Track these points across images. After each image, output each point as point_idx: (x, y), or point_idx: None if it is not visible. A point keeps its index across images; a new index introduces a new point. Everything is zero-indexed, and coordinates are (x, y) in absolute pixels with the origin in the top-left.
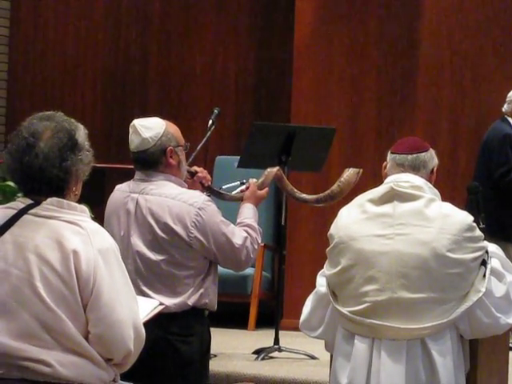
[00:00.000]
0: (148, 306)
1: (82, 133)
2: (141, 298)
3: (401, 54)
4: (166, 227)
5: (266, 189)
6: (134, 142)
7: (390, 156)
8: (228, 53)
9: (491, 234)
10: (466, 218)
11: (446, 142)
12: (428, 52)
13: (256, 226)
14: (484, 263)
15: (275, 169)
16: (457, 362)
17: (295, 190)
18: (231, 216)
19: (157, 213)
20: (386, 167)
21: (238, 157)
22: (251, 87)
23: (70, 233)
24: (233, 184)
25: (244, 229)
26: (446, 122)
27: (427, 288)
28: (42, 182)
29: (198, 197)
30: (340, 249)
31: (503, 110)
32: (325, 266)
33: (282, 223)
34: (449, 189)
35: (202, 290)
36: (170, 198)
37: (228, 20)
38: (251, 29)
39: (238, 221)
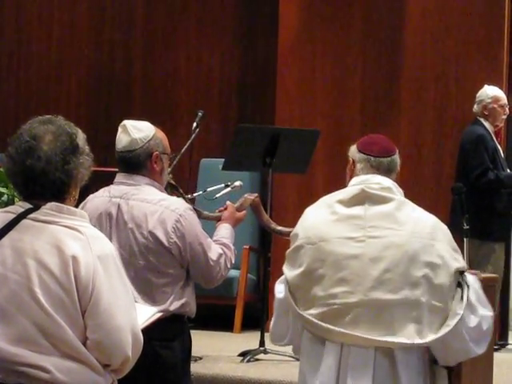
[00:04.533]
0: (146, 313)
1: (81, 136)
2: (139, 305)
3: (385, 55)
4: (146, 232)
5: (244, 212)
6: (122, 141)
7: (359, 155)
8: (212, 56)
9: (472, 235)
10: (433, 221)
11: (430, 142)
12: (412, 52)
13: (232, 247)
14: (460, 285)
15: (253, 195)
16: (421, 380)
17: (271, 221)
18: (211, 230)
19: (138, 217)
20: (353, 166)
21: (223, 159)
22: (235, 90)
23: (69, 238)
24: (217, 186)
25: (220, 246)
26: (431, 123)
27: (399, 290)
28: (44, 185)
29: (181, 204)
30: (307, 249)
31: (474, 110)
32: (284, 267)
33: None
34: (434, 189)
35: (183, 301)
36: (152, 204)
37: (212, 23)
38: (235, 31)
39: (215, 238)
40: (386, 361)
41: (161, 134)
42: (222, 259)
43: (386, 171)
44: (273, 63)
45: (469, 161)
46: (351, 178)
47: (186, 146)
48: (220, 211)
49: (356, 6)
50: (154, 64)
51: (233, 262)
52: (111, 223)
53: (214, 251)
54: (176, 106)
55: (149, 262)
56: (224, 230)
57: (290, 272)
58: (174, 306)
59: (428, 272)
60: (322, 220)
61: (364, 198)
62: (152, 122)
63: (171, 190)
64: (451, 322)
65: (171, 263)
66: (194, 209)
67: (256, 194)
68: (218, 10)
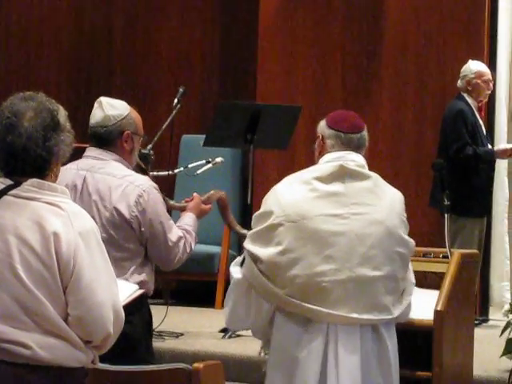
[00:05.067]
0: (127, 290)
1: (63, 113)
2: (120, 282)
3: (366, 32)
4: (109, 205)
5: (210, 206)
6: (95, 116)
7: (329, 131)
8: (193, 32)
9: (452, 210)
10: (401, 196)
11: (411, 119)
12: (393, 29)
13: (193, 234)
14: None
15: (221, 192)
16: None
17: (236, 223)
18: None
19: (102, 190)
20: (323, 141)
21: (204, 136)
22: (216, 66)
23: (50, 215)
24: (199, 163)
25: (181, 230)
26: (412, 100)
27: (382, 266)
28: (25, 161)
29: (146, 181)
30: (287, 227)
31: (458, 85)
32: (252, 246)
33: (248, 202)
34: (415, 164)
35: (142, 277)
36: (117, 178)
37: (193, 2)
38: (217, 7)
39: (178, 224)
40: (372, 335)
41: (135, 115)
42: (181, 242)
43: (357, 147)
44: (254, 40)
45: (448, 135)
46: (320, 153)
47: (167, 122)
48: (186, 201)
49: None
50: (135, 40)
51: (193, 247)
52: (76, 195)
53: (174, 233)
54: (157, 83)
55: (110, 235)
56: (188, 219)
57: (263, 250)
58: (132, 280)
59: (401, 247)
60: (301, 197)
61: (343, 175)
62: (133, 98)
63: (140, 172)
64: (410, 291)
65: (131, 238)
66: (163, 197)
67: (223, 192)
68: None
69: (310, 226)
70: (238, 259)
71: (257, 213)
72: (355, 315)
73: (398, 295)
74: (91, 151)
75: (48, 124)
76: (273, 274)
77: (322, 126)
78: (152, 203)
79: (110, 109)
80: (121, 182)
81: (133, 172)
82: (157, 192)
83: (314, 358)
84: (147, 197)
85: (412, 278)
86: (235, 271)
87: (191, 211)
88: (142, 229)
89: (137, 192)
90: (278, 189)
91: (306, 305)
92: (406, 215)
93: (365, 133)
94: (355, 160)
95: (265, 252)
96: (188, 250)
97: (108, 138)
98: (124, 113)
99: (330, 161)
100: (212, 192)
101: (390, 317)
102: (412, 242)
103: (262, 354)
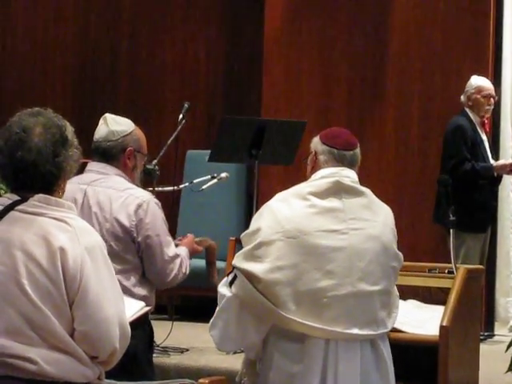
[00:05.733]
0: (134, 307)
1: (70, 129)
2: (127, 299)
3: (371, 47)
4: (109, 215)
5: (201, 248)
6: (99, 131)
7: (323, 147)
8: (198, 47)
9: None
10: (391, 211)
11: (416, 135)
12: (398, 44)
13: (186, 261)
14: None
15: (213, 242)
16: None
17: (215, 275)
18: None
19: (103, 202)
20: (315, 157)
21: (209, 151)
22: (221, 81)
23: (57, 230)
24: (204, 178)
25: (178, 251)
26: (417, 116)
27: (380, 280)
28: (34, 177)
29: (147, 194)
30: (287, 243)
31: (461, 100)
32: (247, 264)
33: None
34: (420, 181)
35: (144, 292)
36: (118, 190)
37: (198, 15)
38: (221, 23)
39: None
40: (372, 349)
41: (139, 133)
42: (178, 260)
43: (350, 164)
44: (259, 55)
45: (446, 151)
46: (313, 169)
47: (172, 138)
48: (180, 240)
49: None
50: (140, 55)
51: (187, 272)
52: (76, 209)
53: (172, 249)
54: (162, 98)
55: (110, 247)
56: (181, 249)
57: (260, 267)
58: (135, 292)
59: (395, 262)
60: (300, 213)
61: (339, 191)
62: (138, 115)
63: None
64: (397, 304)
65: (131, 250)
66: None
67: (214, 243)
68: (204, 2)
69: (311, 241)
70: (226, 280)
71: (248, 230)
72: (356, 331)
73: (389, 309)
74: (94, 165)
75: (57, 140)
76: (271, 290)
77: (316, 142)
78: (151, 214)
79: (114, 124)
80: (121, 194)
81: (135, 186)
82: (157, 207)
83: (313, 375)
84: (146, 207)
85: (396, 290)
86: (225, 291)
87: (184, 245)
88: (139, 238)
89: (137, 202)
90: (272, 205)
91: (307, 322)
92: (394, 228)
93: (358, 150)
94: (350, 176)
95: (262, 268)
96: (184, 271)
97: (111, 153)
98: (128, 129)
99: (324, 176)
100: (205, 238)
101: (386, 330)
102: (402, 255)
103: (243, 382)
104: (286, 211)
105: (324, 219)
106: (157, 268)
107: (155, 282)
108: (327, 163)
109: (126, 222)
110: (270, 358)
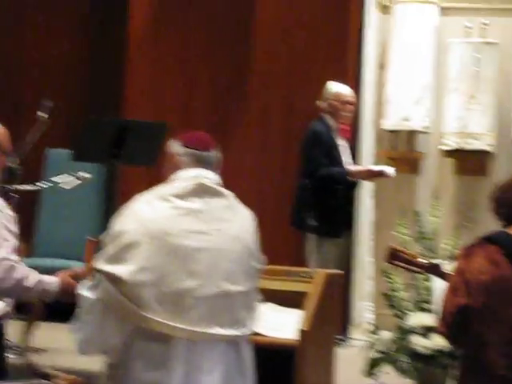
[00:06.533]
0: None
1: None
2: None
3: (235, 48)
4: None
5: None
6: None
7: (184, 149)
8: (61, 47)
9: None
10: (251, 214)
11: (277, 139)
12: (262, 47)
13: (38, 279)
14: None
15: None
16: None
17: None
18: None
19: None
20: (175, 159)
21: (69, 150)
22: (85, 80)
23: None
24: (65, 177)
25: (23, 266)
26: (278, 120)
27: (243, 281)
28: None
29: None
30: (150, 244)
31: (319, 106)
32: (110, 267)
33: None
34: (279, 185)
35: None
36: None
37: (61, 14)
38: (85, 22)
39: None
40: (235, 350)
41: (1, 130)
42: (7, 263)
43: (211, 165)
44: (123, 53)
45: (304, 157)
46: (171, 170)
47: (32, 136)
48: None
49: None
50: (2, 53)
51: (29, 286)
52: None
53: (4, 251)
54: (22, 97)
55: None
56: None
57: (124, 269)
58: None
59: (256, 263)
60: (163, 214)
61: (202, 192)
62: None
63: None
64: (257, 305)
65: None
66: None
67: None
68: (67, 2)
69: (175, 242)
70: (87, 284)
71: (110, 232)
72: (219, 330)
73: (251, 310)
74: None
75: None
76: (136, 292)
77: (174, 145)
78: None
79: None
80: None
81: None
82: (1, 214)
83: (176, 379)
84: None
85: (258, 291)
86: (87, 294)
87: (58, 276)
88: None
89: None
90: (134, 207)
91: (168, 322)
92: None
93: (217, 152)
94: (211, 178)
95: (127, 270)
96: (18, 277)
97: None
98: None
99: (185, 178)
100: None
101: (249, 332)
102: (263, 257)
103: None
104: (150, 213)
105: (187, 220)
106: None
107: None
108: (188, 165)
109: None
110: (133, 364)
